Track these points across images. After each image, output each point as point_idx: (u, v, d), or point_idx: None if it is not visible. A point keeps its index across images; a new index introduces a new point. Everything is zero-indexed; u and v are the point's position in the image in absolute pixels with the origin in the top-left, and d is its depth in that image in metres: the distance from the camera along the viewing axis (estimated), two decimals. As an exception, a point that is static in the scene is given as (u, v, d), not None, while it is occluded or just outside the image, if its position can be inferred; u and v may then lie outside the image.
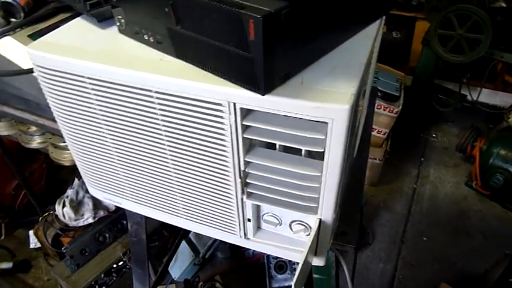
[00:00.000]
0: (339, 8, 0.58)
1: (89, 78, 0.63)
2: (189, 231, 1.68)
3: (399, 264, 1.71)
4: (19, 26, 1.12)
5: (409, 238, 1.82)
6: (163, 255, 1.63)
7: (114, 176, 0.80)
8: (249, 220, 0.71)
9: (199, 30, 0.53)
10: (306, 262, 0.65)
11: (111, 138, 0.71)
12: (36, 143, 1.32)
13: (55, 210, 1.66)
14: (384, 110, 1.90)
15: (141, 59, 0.61)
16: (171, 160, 0.68)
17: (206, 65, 0.56)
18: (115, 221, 1.66)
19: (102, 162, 0.78)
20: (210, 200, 0.71)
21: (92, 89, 0.64)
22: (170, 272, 1.64)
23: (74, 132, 0.75)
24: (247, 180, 0.64)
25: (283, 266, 1.57)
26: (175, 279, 1.64)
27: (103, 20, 0.70)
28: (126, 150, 0.71)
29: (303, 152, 0.60)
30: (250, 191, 0.65)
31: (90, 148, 0.76)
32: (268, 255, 1.59)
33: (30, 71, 0.99)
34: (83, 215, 1.65)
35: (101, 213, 1.68)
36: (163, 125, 0.62)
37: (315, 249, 0.71)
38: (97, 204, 1.67)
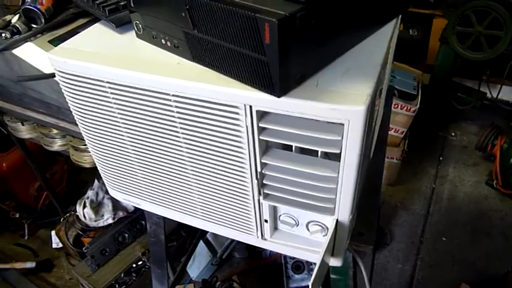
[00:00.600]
0: (354, 10, 0.58)
1: (108, 82, 0.64)
2: (207, 232, 1.69)
3: (418, 265, 1.69)
4: (40, 31, 1.15)
5: (428, 238, 1.79)
6: (182, 255, 1.66)
7: (133, 177, 0.81)
8: (266, 221, 0.72)
9: (215, 34, 0.53)
10: (323, 263, 0.65)
11: (129, 141, 0.72)
12: (57, 145, 1.35)
13: (76, 211, 1.69)
14: (401, 109, 1.88)
15: (158, 63, 0.62)
16: (188, 162, 0.69)
17: (222, 68, 0.57)
18: (134, 221, 1.69)
19: (121, 164, 0.79)
20: (227, 200, 0.71)
21: (111, 93, 0.66)
22: (188, 272, 1.66)
23: (94, 134, 0.77)
24: (264, 182, 0.64)
25: (301, 266, 1.57)
26: (193, 279, 1.66)
27: (121, 25, 0.72)
28: (144, 152, 0.73)
29: (319, 153, 0.60)
30: (266, 192, 0.66)
31: (109, 150, 0.78)
32: (285, 256, 1.59)
33: (52, 75, 1.02)
34: (102, 215, 1.69)
35: (120, 213, 1.71)
36: (181, 128, 0.63)
37: (332, 250, 0.71)
38: (116, 205, 1.70)
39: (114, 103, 0.67)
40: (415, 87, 1.94)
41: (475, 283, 1.51)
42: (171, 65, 0.62)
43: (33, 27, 1.19)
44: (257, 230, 0.74)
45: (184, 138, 0.65)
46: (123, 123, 0.70)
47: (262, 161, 0.61)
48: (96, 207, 1.68)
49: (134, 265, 1.62)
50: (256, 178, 0.64)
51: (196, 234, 1.65)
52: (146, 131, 0.68)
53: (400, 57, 2.00)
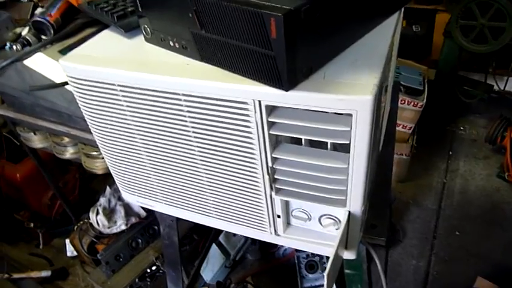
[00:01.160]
0: (358, 3, 0.59)
1: (119, 85, 0.66)
2: (219, 235, 1.70)
3: (432, 260, 1.68)
4: (49, 42, 1.18)
5: (441, 233, 1.78)
6: (195, 258, 1.66)
7: (146, 179, 0.83)
8: (279, 216, 0.73)
9: (222, 33, 0.55)
10: (337, 256, 0.65)
11: (142, 143, 0.74)
12: (69, 153, 1.38)
13: (89, 219, 1.71)
14: (408, 105, 1.88)
15: (168, 64, 0.64)
16: (200, 161, 0.70)
17: (230, 66, 0.58)
18: (146, 226, 1.70)
19: (134, 166, 0.81)
20: (239, 197, 0.72)
21: (123, 96, 0.67)
22: (202, 275, 1.67)
23: (107, 138, 0.78)
24: (275, 176, 0.65)
25: (314, 265, 1.57)
26: (207, 282, 1.66)
27: (129, 30, 0.74)
28: (156, 154, 0.74)
29: (328, 146, 0.61)
30: (278, 186, 0.67)
31: (122, 153, 0.79)
32: (298, 255, 1.60)
33: (62, 84, 1.05)
34: (115, 222, 1.70)
35: (133, 219, 1.72)
36: (192, 127, 0.65)
37: (345, 243, 0.71)
38: (129, 211, 1.72)
39: (126, 106, 0.69)
40: (421, 82, 1.94)
41: (492, 276, 1.50)
42: (180, 65, 0.63)
43: (42, 38, 1.22)
44: (270, 226, 0.75)
45: (195, 137, 0.66)
46: (135, 125, 0.71)
47: (273, 155, 0.62)
48: (109, 214, 1.70)
49: (148, 270, 1.63)
50: (268, 173, 0.65)
51: (209, 237, 1.66)
52: (158, 132, 0.70)
53: (404, 53, 2.00)
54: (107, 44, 0.74)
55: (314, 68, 0.55)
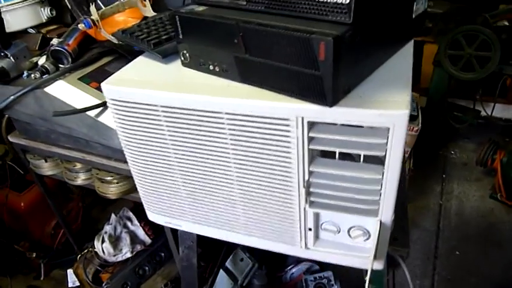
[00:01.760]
0: (385, 30, 0.66)
1: (162, 106, 0.70)
2: (226, 260, 1.70)
3: (436, 280, 1.72)
4: (68, 71, 1.22)
5: (442, 253, 1.82)
6: (202, 285, 1.65)
7: (176, 198, 0.85)
8: (310, 229, 0.76)
9: (268, 56, 0.60)
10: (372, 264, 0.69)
11: (177, 162, 0.77)
12: (81, 179, 1.39)
13: (94, 247, 1.70)
14: (404, 130, 1.96)
15: (209, 85, 0.69)
16: (236, 177, 0.74)
17: (273, 86, 0.63)
18: (153, 253, 1.69)
19: (165, 185, 0.84)
20: (272, 212, 0.76)
21: (164, 116, 0.71)
22: (209, 302, 1.65)
23: (140, 158, 0.81)
24: (311, 190, 0.69)
25: (322, 287, 1.58)
26: (215, 308, 1.65)
27: (166, 56, 0.79)
28: (191, 172, 0.78)
29: (361, 159, 0.66)
30: (312, 199, 0.71)
31: (155, 173, 0.82)
32: (306, 278, 1.61)
33: (87, 109, 1.08)
34: (121, 250, 1.69)
35: (138, 247, 1.71)
36: (231, 144, 0.69)
37: (375, 253, 0.75)
38: (134, 238, 1.71)
39: (166, 126, 0.72)
40: (414, 108, 2.04)
41: (494, 294, 1.54)
42: (221, 86, 0.68)
43: (60, 67, 1.26)
44: (301, 240, 0.78)
45: (233, 154, 0.70)
46: (172, 144, 0.75)
47: (310, 169, 0.67)
48: (115, 241, 1.69)
49: (156, 298, 1.61)
50: (304, 186, 0.69)
51: (216, 264, 1.65)
52: (196, 151, 0.74)
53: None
54: (144, 69, 0.79)
55: (352, 86, 0.61)
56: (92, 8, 1.17)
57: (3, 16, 1.30)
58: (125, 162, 1.19)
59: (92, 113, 1.11)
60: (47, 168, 1.46)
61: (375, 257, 0.76)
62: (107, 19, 1.22)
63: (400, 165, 0.62)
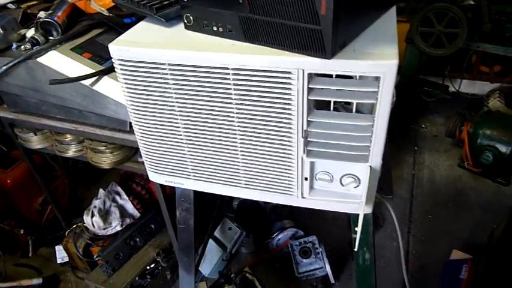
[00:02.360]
0: (374, -8, 0.73)
1: (169, 64, 0.75)
2: (214, 230, 1.77)
3: (411, 241, 1.85)
4: (58, 42, 1.23)
5: (416, 218, 1.96)
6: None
7: (179, 156, 0.91)
8: (306, 179, 0.84)
9: (272, 14, 0.66)
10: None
11: (182, 119, 0.83)
12: (72, 151, 1.40)
13: (84, 222, 1.72)
14: (379, 104, 2.07)
15: (214, 44, 0.74)
16: (238, 131, 0.80)
17: (275, 42, 0.69)
18: (143, 226, 1.73)
19: (169, 143, 0.89)
20: (272, 164, 0.83)
21: (171, 74, 0.76)
22: (200, 270, 1.72)
23: (145, 118, 0.86)
24: (308, 139, 0.77)
25: (308, 251, 1.68)
26: (206, 275, 1.72)
27: (169, 20, 0.83)
28: (195, 129, 0.83)
29: (353, 109, 0.73)
30: (310, 148, 0.78)
31: (159, 132, 0.87)
32: (292, 244, 1.70)
33: (84, 77, 1.10)
34: (110, 223, 1.72)
35: (127, 220, 1.75)
36: (236, 99, 0.75)
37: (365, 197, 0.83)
38: (123, 212, 1.75)
39: (172, 83, 0.77)
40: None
41: (463, 250, 1.68)
42: (226, 45, 0.73)
43: (50, 39, 1.27)
44: (297, 189, 0.86)
45: (237, 108, 0.76)
46: (177, 102, 0.80)
47: (309, 119, 0.74)
48: (104, 215, 1.71)
49: (148, 267, 1.66)
50: (302, 136, 0.76)
51: (206, 234, 1.72)
52: (201, 107, 0.79)
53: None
54: (149, 32, 0.83)
55: (347, 41, 0.68)
56: (83, -21, 1.19)
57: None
58: (119, 131, 1.24)
59: (87, 82, 1.13)
60: (36, 142, 1.47)
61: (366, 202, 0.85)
62: (97, -10, 1.23)
63: (388, 113, 0.70)
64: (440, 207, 2.01)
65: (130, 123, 1.19)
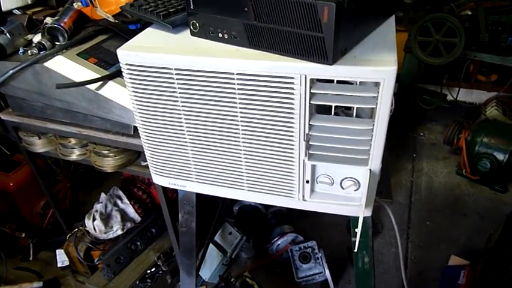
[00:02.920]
0: (374, 2, 0.76)
1: (176, 69, 0.77)
2: (215, 234, 1.78)
3: (410, 247, 1.87)
4: (65, 47, 1.26)
5: (415, 224, 1.98)
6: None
7: (183, 159, 0.93)
8: (308, 182, 0.86)
9: (276, 22, 0.69)
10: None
11: (187, 123, 0.85)
12: (75, 155, 1.42)
13: (85, 225, 1.73)
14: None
15: (220, 50, 0.76)
16: (242, 134, 0.82)
17: (279, 49, 0.72)
18: (144, 230, 1.75)
19: (174, 146, 0.91)
20: (274, 166, 0.85)
21: (177, 79, 0.79)
22: (201, 275, 1.73)
23: (152, 121, 0.88)
24: (310, 143, 0.79)
25: (307, 256, 1.69)
26: (206, 280, 1.73)
27: (175, 26, 0.86)
28: (200, 132, 0.85)
29: (354, 113, 0.76)
30: (311, 152, 0.80)
31: (164, 135, 0.90)
32: (292, 249, 1.71)
33: (90, 82, 1.13)
34: (112, 227, 1.74)
35: (128, 224, 1.76)
36: (240, 103, 0.77)
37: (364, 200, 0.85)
38: (124, 216, 1.76)
39: (179, 88, 0.80)
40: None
41: (462, 256, 1.70)
42: (231, 51, 0.76)
43: (56, 44, 1.30)
44: (299, 192, 0.88)
45: (241, 112, 0.78)
46: (183, 106, 0.82)
47: (310, 123, 0.76)
48: (106, 219, 1.73)
49: (149, 271, 1.67)
50: (304, 140, 0.78)
51: (206, 239, 1.73)
52: (205, 111, 0.81)
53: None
54: (156, 38, 0.85)
55: (348, 48, 0.71)
56: (90, -14, 1.22)
57: (-5, -5, 1.32)
58: (123, 135, 1.26)
59: (92, 87, 1.16)
60: (40, 145, 1.49)
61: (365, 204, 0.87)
62: (103, -2, 1.26)
63: (387, 117, 0.73)
64: (439, 214, 2.03)
65: (134, 127, 1.22)
